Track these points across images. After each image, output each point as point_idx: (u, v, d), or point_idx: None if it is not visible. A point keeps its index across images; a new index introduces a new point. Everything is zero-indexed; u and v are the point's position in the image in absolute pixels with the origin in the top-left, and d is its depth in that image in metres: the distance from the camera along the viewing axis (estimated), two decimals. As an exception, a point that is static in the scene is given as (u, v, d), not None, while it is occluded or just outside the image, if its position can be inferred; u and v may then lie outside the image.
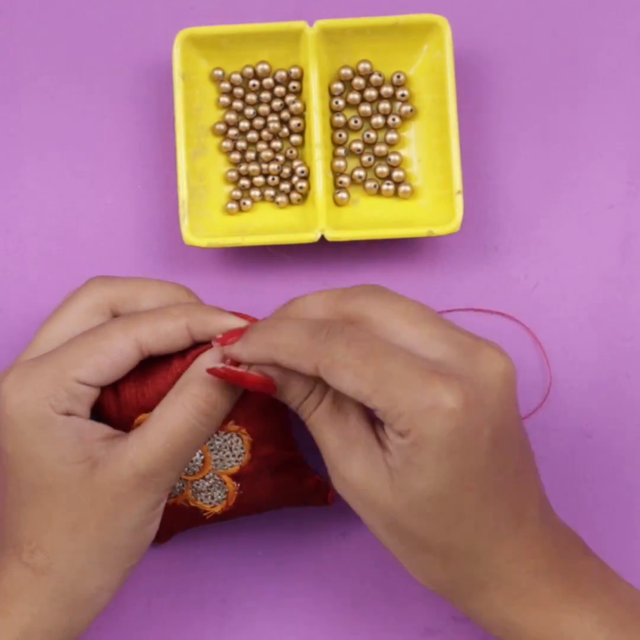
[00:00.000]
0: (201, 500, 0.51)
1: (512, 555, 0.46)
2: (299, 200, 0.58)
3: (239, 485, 0.51)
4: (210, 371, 0.46)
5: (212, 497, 0.51)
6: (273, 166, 0.58)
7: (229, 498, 0.51)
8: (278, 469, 0.51)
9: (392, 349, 0.44)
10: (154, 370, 0.48)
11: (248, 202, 0.58)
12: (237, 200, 0.58)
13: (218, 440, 0.50)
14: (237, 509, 0.52)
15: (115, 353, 0.46)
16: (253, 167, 0.58)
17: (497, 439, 0.44)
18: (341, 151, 0.59)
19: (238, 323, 0.48)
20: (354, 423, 0.46)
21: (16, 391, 0.45)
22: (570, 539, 0.49)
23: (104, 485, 0.45)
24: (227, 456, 0.50)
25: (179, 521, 0.52)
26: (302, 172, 0.58)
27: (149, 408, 0.48)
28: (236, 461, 0.50)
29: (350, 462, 0.45)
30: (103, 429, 0.46)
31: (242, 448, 0.50)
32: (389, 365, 0.43)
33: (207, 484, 0.51)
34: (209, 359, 0.47)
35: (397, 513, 0.44)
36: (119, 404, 0.48)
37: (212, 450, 0.50)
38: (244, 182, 0.58)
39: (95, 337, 0.46)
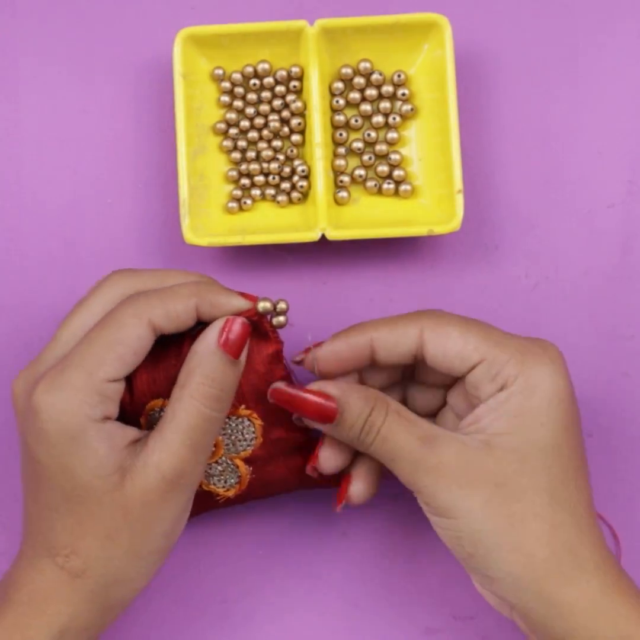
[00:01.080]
0: (214, 484, 0.51)
1: (601, 538, 0.46)
2: (299, 199, 0.58)
3: (251, 468, 0.51)
4: (273, 392, 0.47)
5: (225, 482, 0.51)
6: (274, 165, 0.58)
7: (242, 482, 0.51)
8: (290, 451, 0.51)
9: (488, 324, 0.47)
10: (164, 356, 0.48)
11: (249, 202, 0.58)
12: (238, 200, 0.58)
13: (230, 425, 0.50)
14: (250, 492, 0.52)
15: (133, 341, 0.46)
16: (254, 166, 0.58)
17: (578, 418, 0.47)
18: (342, 150, 0.59)
19: (245, 304, 0.48)
20: (424, 424, 0.47)
21: (49, 404, 0.45)
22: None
23: (134, 495, 0.45)
24: (239, 440, 0.50)
25: (193, 505, 0.52)
26: (303, 171, 0.58)
27: (160, 394, 0.48)
28: (248, 445, 0.50)
29: (439, 450, 0.45)
30: (129, 432, 0.46)
31: (253, 432, 0.50)
32: (492, 327, 0.47)
33: (219, 468, 0.51)
34: (203, 346, 0.46)
35: (503, 477, 0.44)
36: (131, 392, 0.48)
37: (223, 434, 0.50)
38: (245, 181, 0.58)
39: (110, 329, 0.46)
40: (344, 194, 0.58)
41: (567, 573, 0.45)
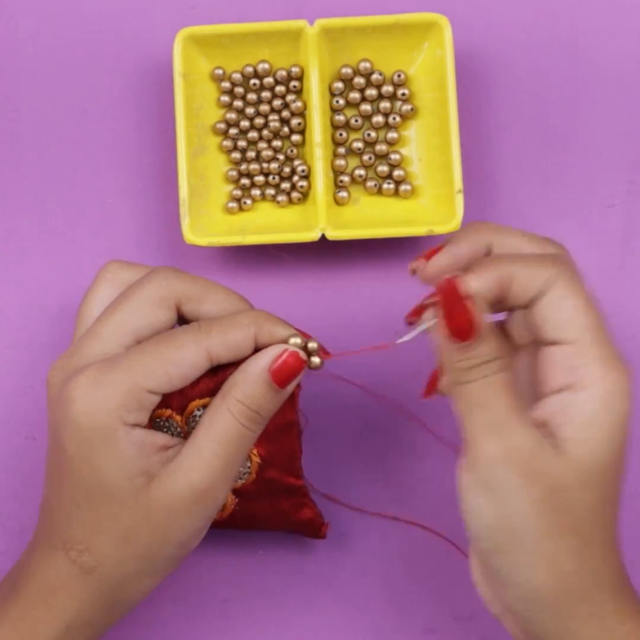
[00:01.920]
0: None
1: (621, 559, 0.45)
2: (299, 199, 0.58)
3: (237, 500, 0.51)
4: (441, 284, 0.44)
5: None
6: (274, 165, 0.58)
7: (224, 510, 0.51)
8: (278, 494, 0.51)
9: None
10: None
11: (248, 201, 0.58)
12: (238, 200, 0.58)
13: None
14: (231, 521, 0.52)
15: (187, 365, 0.45)
16: (253, 166, 0.58)
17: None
18: (342, 150, 0.59)
19: (299, 339, 0.47)
20: (519, 401, 0.44)
21: (86, 398, 0.44)
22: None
23: (159, 499, 0.45)
24: None
25: None
26: (303, 171, 0.58)
27: (169, 405, 0.48)
28: (240, 478, 0.50)
29: (521, 427, 0.43)
30: (159, 439, 0.46)
31: (248, 468, 0.50)
32: (603, 319, 0.46)
33: None
34: (254, 365, 0.46)
35: (561, 484, 0.43)
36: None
37: None
38: (245, 181, 0.58)
39: (167, 347, 0.45)
40: (343, 194, 0.58)
41: (586, 589, 0.44)
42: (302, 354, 0.47)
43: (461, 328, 0.44)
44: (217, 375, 0.47)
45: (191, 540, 0.47)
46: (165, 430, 0.48)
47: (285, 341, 0.47)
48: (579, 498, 0.44)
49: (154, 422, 0.48)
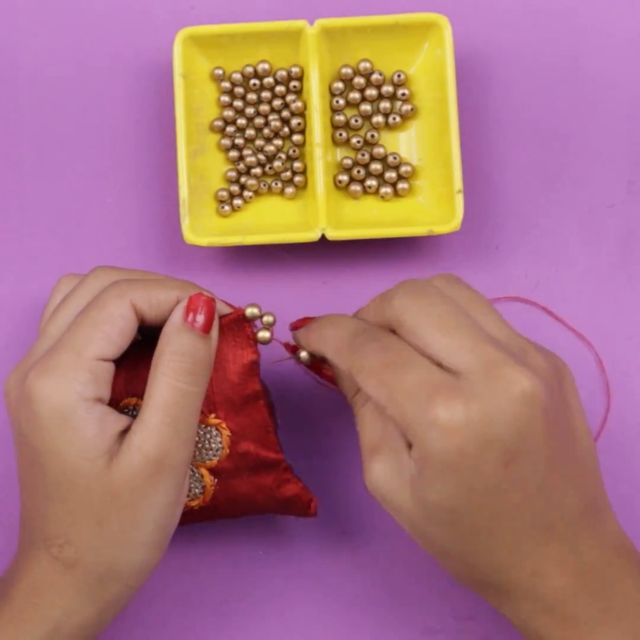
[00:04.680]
0: None
1: (537, 570, 0.45)
2: (298, 184, 0.58)
3: (216, 480, 0.51)
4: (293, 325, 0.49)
5: (190, 490, 0.51)
6: (277, 163, 0.58)
7: (206, 493, 0.51)
8: (257, 469, 0.51)
9: (416, 360, 0.44)
10: (143, 357, 0.48)
11: (250, 197, 0.58)
12: (239, 198, 0.58)
13: (198, 432, 0.50)
14: (215, 506, 0.52)
15: (118, 320, 0.46)
16: (254, 170, 0.58)
17: (510, 459, 0.43)
18: (341, 150, 0.59)
19: (226, 308, 0.49)
20: (392, 428, 0.45)
21: (40, 386, 0.45)
22: (619, 555, 0.47)
23: (120, 479, 0.45)
24: (206, 449, 0.50)
25: None
26: (298, 168, 0.58)
27: (135, 393, 0.48)
28: (214, 455, 0.50)
29: (375, 464, 0.45)
30: (121, 419, 0.46)
31: (220, 442, 0.50)
32: (406, 377, 0.43)
33: None
34: (171, 324, 0.47)
35: (417, 519, 0.45)
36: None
37: None
38: (244, 180, 0.58)
39: (95, 310, 0.46)
40: (343, 193, 0.58)
41: (494, 598, 0.47)
42: (209, 293, 0.48)
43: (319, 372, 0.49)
44: None
45: (166, 519, 0.47)
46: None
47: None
48: (437, 534, 0.45)
49: (123, 412, 0.48)
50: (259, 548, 0.57)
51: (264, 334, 0.49)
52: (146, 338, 0.49)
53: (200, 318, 0.47)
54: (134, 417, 0.47)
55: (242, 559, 0.57)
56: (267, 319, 0.49)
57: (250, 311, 0.49)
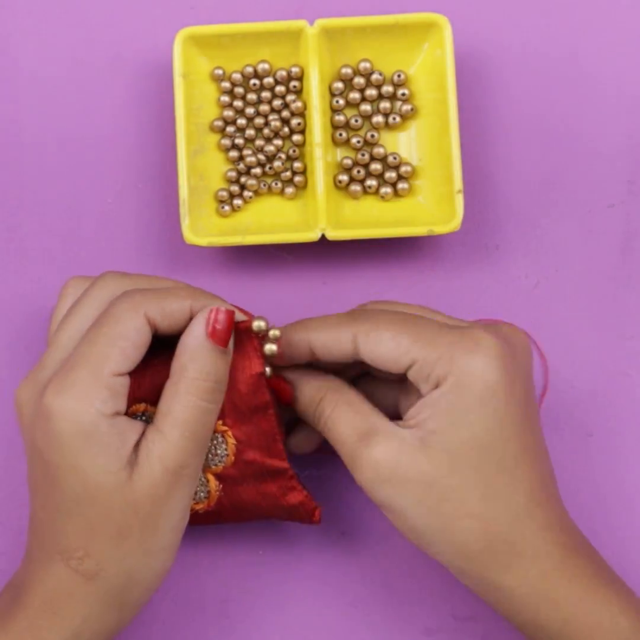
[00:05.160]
0: None
1: (546, 524, 0.46)
2: (298, 183, 0.58)
3: (221, 486, 0.51)
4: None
5: (195, 494, 0.51)
6: (277, 163, 0.58)
7: (211, 498, 0.51)
8: (262, 477, 0.51)
9: (425, 319, 0.47)
10: (152, 363, 0.48)
11: (250, 197, 0.58)
12: (239, 198, 0.58)
13: None
14: (219, 511, 0.52)
15: (133, 334, 0.46)
16: (254, 168, 0.58)
17: (528, 398, 0.46)
18: (341, 150, 0.59)
19: (240, 315, 0.49)
20: (369, 416, 0.47)
21: (60, 405, 0.45)
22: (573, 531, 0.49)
23: (142, 489, 0.45)
24: (212, 455, 0.50)
25: None
26: (298, 168, 0.58)
27: (143, 399, 0.48)
28: (220, 461, 0.50)
29: (373, 447, 0.46)
30: (137, 426, 0.46)
31: (225, 450, 0.50)
32: (428, 323, 0.46)
33: None
34: (192, 338, 0.46)
35: (433, 477, 0.45)
36: None
37: None
38: (244, 180, 0.58)
39: (108, 325, 0.46)
40: (343, 193, 0.58)
41: (504, 561, 0.46)
42: (228, 306, 0.47)
43: (282, 400, 0.50)
44: None
45: (180, 522, 0.47)
46: None
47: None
48: (459, 483, 0.45)
49: (139, 421, 0.48)
50: (258, 548, 0.57)
51: (271, 347, 0.49)
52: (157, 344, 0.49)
53: (222, 331, 0.46)
54: (142, 421, 0.47)
55: (242, 559, 0.57)
56: (274, 333, 0.49)
57: (257, 324, 0.48)
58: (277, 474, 0.51)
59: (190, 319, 0.47)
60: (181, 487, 0.46)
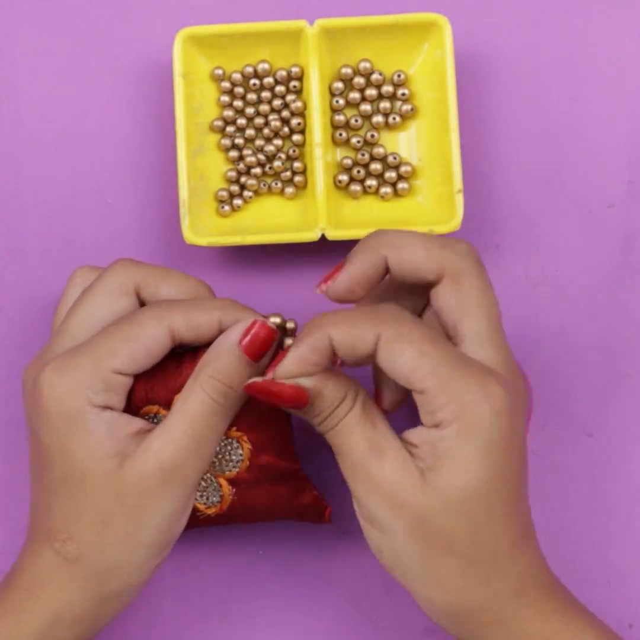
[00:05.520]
0: (196, 499, 0.51)
1: (526, 566, 0.46)
2: (298, 183, 0.58)
3: (234, 490, 0.51)
4: (248, 387, 0.46)
5: (207, 499, 0.51)
6: (277, 163, 0.58)
7: (223, 502, 0.51)
8: (275, 479, 0.51)
9: (449, 343, 0.45)
10: (166, 366, 0.48)
11: (250, 197, 0.58)
12: (239, 198, 0.58)
13: (219, 444, 0.50)
14: (231, 514, 0.52)
15: (149, 341, 0.46)
16: (254, 168, 0.58)
17: (521, 450, 0.46)
18: (341, 150, 0.59)
19: (279, 318, 0.48)
20: (381, 429, 0.46)
21: (54, 384, 0.45)
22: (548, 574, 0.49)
23: (131, 480, 0.45)
24: (226, 460, 0.50)
25: None
26: (298, 168, 0.58)
27: (156, 401, 0.48)
28: (234, 467, 0.50)
29: (382, 462, 0.45)
30: (135, 423, 0.46)
31: (240, 455, 0.50)
32: (451, 352, 0.45)
33: (203, 484, 0.51)
34: (224, 341, 0.46)
35: (427, 512, 0.44)
36: (128, 396, 0.48)
37: None
38: (244, 179, 0.58)
39: (129, 326, 0.46)
40: (343, 193, 0.58)
41: (479, 601, 0.46)
42: (273, 325, 0.47)
43: (288, 404, 0.46)
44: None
45: (171, 526, 0.47)
46: None
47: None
48: (449, 525, 0.45)
49: (144, 419, 0.48)
50: (259, 548, 0.57)
51: (289, 341, 0.49)
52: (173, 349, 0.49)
53: (256, 344, 0.46)
54: (154, 423, 0.48)
55: (242, 559, 0.57)
56: (290, 325, 0.49)
57: (272, 321, 0.48)
58: (289, 476, 0.51)
59: (219, 331, 0.47)
60: (173, 488, 0.46)
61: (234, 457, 0.50)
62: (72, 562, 0.46)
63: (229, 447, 0.50)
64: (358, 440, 0.46)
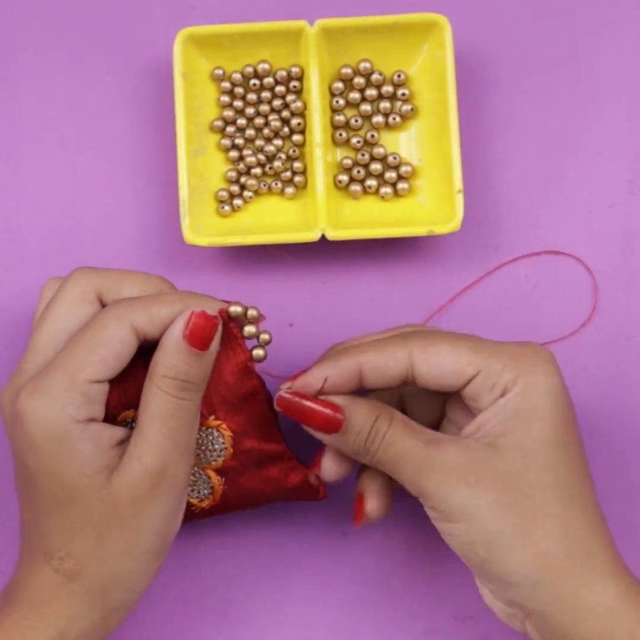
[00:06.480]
0: (188, 494, 0.51)
1: (612, 541, 0.46)
2: (298, 183, 0.58)
3: (223, 480, 0.51)
4: (280, 400, 0.47)
5: (199, 492, 0.51)
6: (277, 163, 0.58)
7: (215, 493, 0.51)
8: (262, 463, 0.51)
9: (476, 335, 0.48)
10: (135, 369, 0.48)
11: (250, 197, 0.58)
12: (239, 198, 0.58)
13: (200, 435, 0.50)
14: (226, 504, 0.52)
15: (116, 344, 0.46)
16: (254, 168, 0.58)
17: (574, 409, 0.48)
18: (341, 150, 0.59)
19: (239, 307, 0.48)
20: (426, 429, 0.47)
21: (33, 408, 0.45)
22: None
23: (121, 491, 0.45)
24: (209, 451, 0.50)
25: None
26: (298, 168, 0.58)
27: (131, 405, 0.48)
28: (218, 456, 0.50)
29: (445, 448, 0.45)
30: (117, 432, 0.46)
31: (223, 443, 0.50)
32: (480, 338, 0.48)
33: (192, 478, 0.51)
34: (169, 336, 0.46)
35: (511, 475, 0.45)
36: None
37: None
38: (244, 180, 0.58)
39: (92, 332, 0.46)
40: (343, 193, 0.58)
41: (583, 575, 0.45)
42: (211, 311, 0.46)
43: (323, 426, 0.47)
44: None
45: (167, 527, 0.47)
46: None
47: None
48: (532, 483, 0.45)
49: (122, 425, 0.48)
50: (259, 548, 0.57)
51: (258, 352, 0.49)
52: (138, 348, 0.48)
53: (198, 334, 0.46)
54: (133, 428, 0.47)
55: (243, 558, 0.57)
56: (251, 312, 0.48)
57: (233, 309, 0.48)
58: (276, 458, 0.51)
59: None
60: (164, 490, 0.46)
61: (216, 447, 0.50)
62: (73, 578, 0.46)
63: (210, 437, 0.50)
64: (413, 442, 0.46)
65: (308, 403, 0.47)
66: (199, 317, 0.46)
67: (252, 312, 0.49)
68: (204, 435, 0.50)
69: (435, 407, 0.52)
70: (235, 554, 0.57)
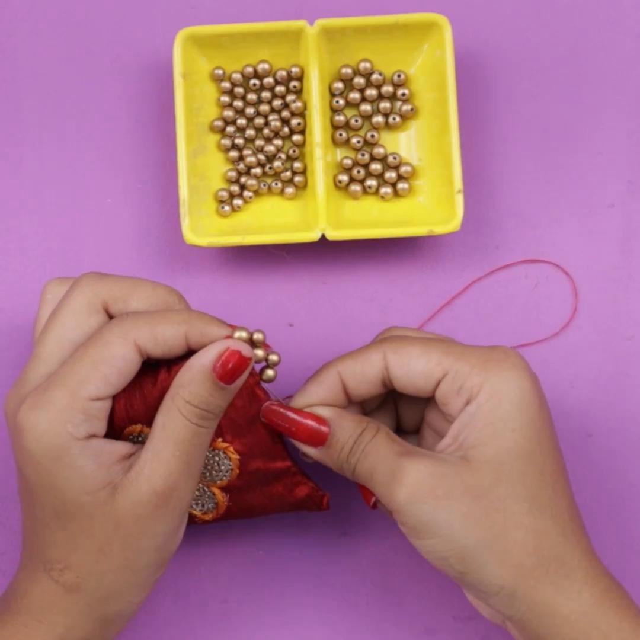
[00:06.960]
0: (192, 507, 0.51)
1: (588, 546, 0.46)
2: (298, 183, 0.58)
3: (228, 496, 0.51)
4: (266, 411, 0.48)
5: (203, 505, 0.51)
6: (277, 163, 0.58)
7: (219, 508, 0.51)
8: (268, 480, 0.51)
9: (450, 338, 0.48)
10: (142, 382, 0.47)
11: (250, 197, 0.58)
12: (239, 198, 0.58)
13: (206, 455, 0.49)
14: (230, 516, 0.52)
15: (119, 361, 0.45)
16: (254, 168, 0.58)
17: (549, 412, 0.47)
18: (341, 150, 0.59)
19: (244, 332, 0.47)
20: (408, 445, 0.47)
21: (33, 423, 0.44)
22: None
23: (125, 508, 0.45)
24: (215, 471, 0.50)
25: None
26: (298, 168, 0.58)
27: (138, 419, 0.48)
28: (224, 476, 0.50)
29: (417, 460, 0.45)
30: (119, 448, 0.46)
31: (229, 464, 0.50)
32: (453, 341, 0.48)
33: (197, 493, 0.51)
34: (198, 364, 0.45)
35: (481, 488, 0.44)
36: (110, 415, 0.48)
37: None
38: (244, 180, 0.58)
39: (95, 348, 0.45)
40: (343, 193, 0.58)
41: (557, 582, 0.45)
42: (247, 351, 0.46)
43: (308, 439, 0.48)
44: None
45: (168, 543, 0.47)
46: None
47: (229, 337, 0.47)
48: (503, 495, 0.45)
49: (128, 440, 0.48)
50: (259, 548, 0.57)
51: (268, 373, 0.49)
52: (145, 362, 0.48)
53: (228, 370, 0.45)
54: (139, 442, 0.47)
55: (242, 558, 0.57)
56: (257, 336, 0.48)
57: (239, 335, 0.47)
58: (281, 474, 0.51)
59: (186, 345, 0.46)
60: (168, 510, 0.45)
61: (222, 468, 0.50)
62: (72, 590, 0.46)
63: (216, 458, 0.50)
64: (388, 453, 0.46)
65: (293, 415, 0.48)
66: (232, 355, 0.45)
67: (258, 336, 0.48)
68: (210, 456, 0.50)
69: (419, 412, 0.52)
70: (235, 554, 0.57)
